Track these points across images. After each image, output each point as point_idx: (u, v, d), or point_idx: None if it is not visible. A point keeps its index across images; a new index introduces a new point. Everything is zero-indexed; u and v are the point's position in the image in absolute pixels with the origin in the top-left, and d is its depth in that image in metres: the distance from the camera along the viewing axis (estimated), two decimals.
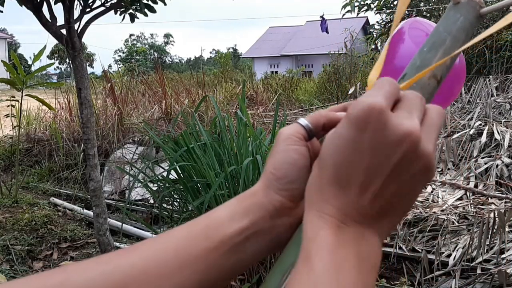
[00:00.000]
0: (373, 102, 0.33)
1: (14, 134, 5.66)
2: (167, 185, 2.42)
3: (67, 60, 40.44)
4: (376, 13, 10.09)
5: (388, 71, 1.04)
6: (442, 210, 3.19)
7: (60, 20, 2.94)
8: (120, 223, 3.51)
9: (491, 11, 0.48)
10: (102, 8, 3.09)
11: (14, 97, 4.86)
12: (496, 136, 3.99)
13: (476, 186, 3.58)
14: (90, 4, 3.03)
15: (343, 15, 9.70)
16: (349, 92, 7.60)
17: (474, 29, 0.48)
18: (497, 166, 3.63)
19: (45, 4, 2.92)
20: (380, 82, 0.37)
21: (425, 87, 0.43)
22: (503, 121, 4.50)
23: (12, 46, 39.07)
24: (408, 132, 0.33)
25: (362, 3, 9.74)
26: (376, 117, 0.33)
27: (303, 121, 0.41)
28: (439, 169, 4.01)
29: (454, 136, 4.26)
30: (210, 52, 68.37)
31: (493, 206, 3.18)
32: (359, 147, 0.33)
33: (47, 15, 2.93)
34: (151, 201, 4.32)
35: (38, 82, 6.42)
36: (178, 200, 2.57)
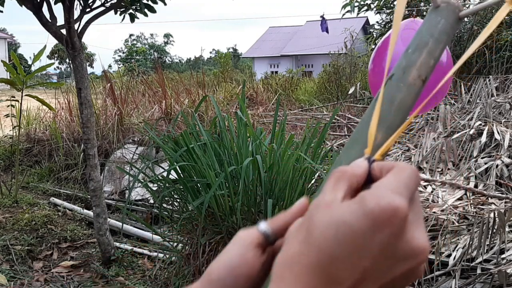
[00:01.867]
0: (398, 205, 0.30)
1: (14, 134, 5.66)
2: (167, 185, 2.42)
3: (67, 60, 40.45)
4: (376, 13, 10.09)
5: (376, 73, 1.04)
6: (442, 210, 3.19)
7: (60, 20, 2.94)
8: (120, 223, 3.51)
9: (470, 14, 0.51)
10: (102, 8, 3.09)
11: (14, 97, 4.86)
12: (496, 136, 3.99)
13: (476, 186, 3.58)
14: (90, 4, 3.03)
15: (343, 15, 9.70)
16: (349, 92, 7.60)
17: (455, 31, 0.50)
18: (497, 166, 3.63)
19: (45, 4, 2.92)
20: (405, 173, 0.33)
21: (411, 87, 0.44)
22: (503, 121, 4.50)
23: (12, 46, 39.06)
24: (423, 249, 0.31)
25: (362, 3, 9.74)
26: (398, 223, 0.30)
27: (262, 225, 0.38)
28: (439, 169, 4.01)
29: (454, 136, 4.26)
30: (210, 52, 68.41)
31: (493, 206, 3.18)
32: (368, 246, 0.29)
33: (47, 15, 2.93)
34: (151, 201, 4.32)
35: (38, 82, 6.42)
36: (178, 200, 2.57)
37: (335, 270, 0.30)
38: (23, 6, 2.87)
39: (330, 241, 0.30)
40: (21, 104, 4.52)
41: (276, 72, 24.03)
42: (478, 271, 2.52)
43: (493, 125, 4.18)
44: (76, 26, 2.95)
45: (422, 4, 9.52)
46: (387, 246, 0.30)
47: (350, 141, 0.45)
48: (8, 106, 4.95)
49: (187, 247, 2.53)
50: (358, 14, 9.90)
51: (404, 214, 0.30)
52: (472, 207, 3.22)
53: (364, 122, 0.44)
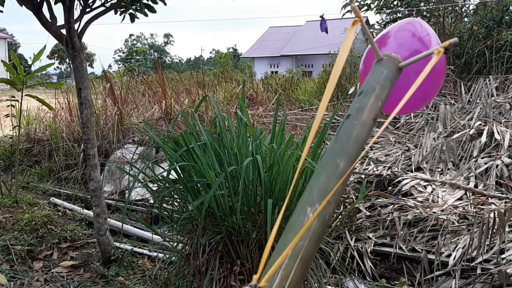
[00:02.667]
0: None
1: (14, 134, 5.66)
2: (167, 185, 2.42)
3: (67, 60, 40.43)
4: (376, 13, 10.09)
5: (368, 73, 1.04)
6: (442, 210, 3.19)
7: (60, 20, 2.94)
8: (120, 223, 3.51)
9: (408, 65, 0.64)
10: (102, 8, 3.09)
11: (14, 97, 4.86)
12: (496, 136, 3.98)
13: (476, 186, 3.58)
14: (90, 4, 3.03)
15: (343, 15, 9.69)
16: (349, 92, 7.61)
17: (396, 78, 0.62)
18: (497, 166, 3.63)
19: (45, 4, 2.92)
20: None
21: (364, 125, 0.54)
22: (503, 121, 4.50)
23: (12, 46, 39.05)
24: None
25: (362, 3, 9.73)
26: None
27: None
28: (439, 169, 4.01)
29: (454, 136, 4.26)
30: (210, 52, 68.38)
31: (493, 206, 3.18)
32: None
33: (47, 15, 2.93)
34: (151, 201, 4.32)
35: (38, 82, 6.42)
36: (178, 200, 2.57)
37: None
38: (23, 6, 2.87)
39: None
40: (21, 104, 4.52)
41: (276, 72, 24.03)
42: (478, 271, 2.52)
43: (493, 125, 4.18)
44: (76, 26, 2.95)
45: (422, 4, 9.52)
46: None
47: (318, 169, 0.52)
48: (8, 106, 4.95)
49: (187, 247, 2.53)
50: None
51: None
52: (472, 207, 3.22)
53: (330, 151, 0.53)
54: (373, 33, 10.53)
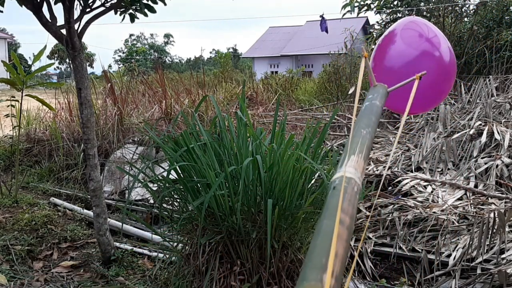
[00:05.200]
0: None
1: (14, 134, 5.66)
2: (167, 185, 2.42)
3: (67, 60, 40.43)
4: (376, 13, 10.09)
5: (377, 71, 1.05)
6: (442, 210, 3.19)
7: (60, 20, 2.94)
8: (120, 223, 3.51)
9: (394, 89, 0.88)
10: (102, 8, 3.09)
11: (14, 97, 4.86)
12: (496, 136, 3.98)
13: (476, 186, 3.58)
14: (90, 4, 3.03)
15: (343, 15, 9.69)
16: (349, 92, 7.61)
17: (387, 97, 0.86)
18: (497, 166, 3.63)
19: (45, 4, 2.92)
20: None
21: (364, 137, 0.63)
22: (503, 121, 4.50)
23: (12, 46, 39.05)
24: None
25: (362, 3, 9.73)
26: None
27: None
28: (439, 169, 4.01)
29: (454, 136, 4.26)
30: (210, 52, 68.35)
31: (493, 206, 3.18)
32: None
33: (47, 15, 2.93)
34: (151, 201, 4.32)
35: (38, 82, 6.41)
36: (178, 200, 2.57)
37: None
38: (23, 6, 2.87)
39: None
40: (21, 104, 4.52)
41: (276, 72, 24.02)
42: (478, 271, 2.52)
43: (493, 125, 4.18)
44: (76, 26, 2.95)
45: (422, 4, 9.52)
46: None
47: (357, 127, 0.65)
48: (8, 106, 4.95)
49: (187, 247, 2.53)
50: (358, 14, 9.90)
51: None
52: (472, 207, 3.22)
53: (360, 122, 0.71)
54: (373, 33, 10.53)
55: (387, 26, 10.03)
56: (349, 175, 0.53)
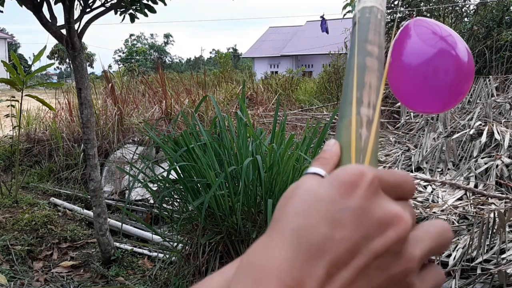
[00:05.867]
0: (365, 169, 0.29)
1: (14, 134, 5.66)
2: (167, 185, 2.42)
3: (67, 60, 40.44)
4: None
5: (396, 67, 1.03)
6: (442, 210, 3.19)
7: (60, 20, 2.94)
8: (120, 223, 3.51)
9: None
10: (102, 8, 3.09)
11: (14, 97, 4.86)
12: (496, 136, 3.98)
13: (476, 186, 3.58)
14: (90, 4, 3.03)
15: (344, 15, 9.69)
16: None
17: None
18: (497, 166, 3.63)
19: (45, 4, 2.92)
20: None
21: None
22: (503, 121, 4.50)
23: (12, 46, 39.07)
24: (398, 215, 0.28)
25: None
26: (367, 184, 0.28)
27: (319, 170, 0.33)
28: (439, 169, 4.01)
29: (454, 136, 4.26)
30: (210, 52, 68.39)
31: (493, 206, 3.18)
32: (336, 214, 0.27)
33: (47, 15, 2.93)
34: (151, 201, 4.32)
35: (38, 82, 6.42)
36: (178, 200, 2.57)
37: (306, 239, 0.27)
38: (23, 6, 2.87)
39: (295, 212, 0.28)
40: (21, 104, 4.52)
41: (276, 72, 24.03)
42: (478, 271, 2.52)
43: (493, 125, 4.18)
44: (76, 26, 2.95)
45: (422, 4, 9.52)
46: (359, 212, 0.27)
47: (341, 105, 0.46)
48: (8, 106, 4.95)
49: (187, 247, 2.53)
50: None
51: (372, 176, 0.28)
52: (472, 207, 3.22)
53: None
54: None
55: (387, 26, 10.03)
56: (370, 4, 0.48)
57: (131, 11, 3.32)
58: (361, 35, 0.46)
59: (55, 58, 47.09)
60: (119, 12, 3.31)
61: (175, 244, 2.62)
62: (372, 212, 0.27)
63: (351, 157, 0.36)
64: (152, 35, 63.69)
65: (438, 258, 2.68)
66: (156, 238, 3.33)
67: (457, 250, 2.74)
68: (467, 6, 9.40)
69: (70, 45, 2.92)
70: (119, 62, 50.45)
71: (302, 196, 0.29)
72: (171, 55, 64.85)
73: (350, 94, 0.41)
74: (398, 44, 1.01)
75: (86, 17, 3.04)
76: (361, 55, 0.44)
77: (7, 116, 5.23)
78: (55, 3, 3.00)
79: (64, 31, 2.92)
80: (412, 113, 5.81)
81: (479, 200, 3.32)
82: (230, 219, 2.22)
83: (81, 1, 3.02)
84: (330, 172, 0.33)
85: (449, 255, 2.75)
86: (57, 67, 51.54)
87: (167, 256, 2.90)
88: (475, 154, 3.93)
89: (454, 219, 3.06)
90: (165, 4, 3.36)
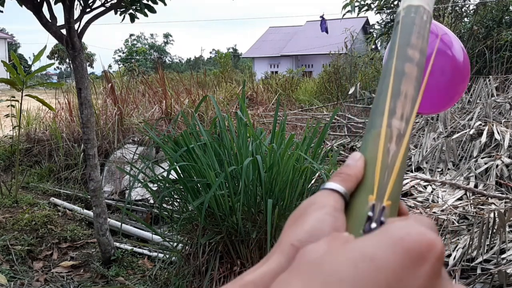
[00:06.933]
0: (434, 238, 0.25)
1: (14, 134, 5.66)
2: (167, 185, 2.42)
3: (67, 60, 40.43)
4: (376, 13, 10.09)
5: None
6: (442, 210, 3.19)
7: (60, 20, 2.94)
8: (120, 223, 3.51)
9: None
10: (102, 8, 3.09)
11: (14, 97, 4.86)
12: (496, 136, 3.98)
13: (476, 186, 3.58)
14: (90, 4, 3.03)
15: (344, 15, 9.70)
16: (349, 92, 7.60)
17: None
18: (497, 166, 3.63)
19: (45, 4, 2.92)
20: (424, 218, 0.29)
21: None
22: (503, 121, 4.50)
23: (12, 46, 39.06)
24: None
25: (362, 3, 9.74)
26: (435, 260, 0.24)
27: (336, 186, 0.31)
28: (439, 169, 4.01)
29: (454, 136, 4.26)
30: (210, 52, 68.38)
31: (493, 206, 3.18)
32: (404, 286, 0.23)
33: (47, 15, 2.93)
34: (151, 201, 4.32)
35: (38, 82, 6.42)
36: (178, 200, 2.57)
37: None
38: (23, 6, 2.87)
39: (348, 283, 0.23)
40: (21, 104, 4.52)
41: (276, 72, 24.03)
42: (478, 271, 2.52)
43: (493, 125, 4.18)
44: (76, 26, 2.95)
45: None
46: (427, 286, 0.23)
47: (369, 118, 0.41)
48: (8, 106, 4.95)
49: (187, 247, 2.53)
50: (358, 14, 9.90)
51: (441, 250, 0.25)
52: (472, 207, 3.22)
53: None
54: (373, 33, 10.54)
55: (387, 26, 10.04)
56: (417, 3, 0.43)
57: (131, 11, 3.32)
58: (403, 37, 0.41)
59: (55, 58, 47.08)
60: (119, 12, 3.31)
61: (175, 244, 2.62)
62: None
63: (375, 173, 0.32)
64: (152, 35, 63.69)
65: None
66: (156, 238, 3.33)
67: (457, 250, 2.73)
68: (467, 6, 9.40)
69: (70, 45, 2.91)
70: (119, 62, 50.45)
71: (351, 255, 0.24)
72: (171, 55, 64.92)
73: (383, 103, 0.36)
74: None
75: (86, 17, 3.04)
76: (400, 60, 0.39)
77: (7, 116, 5.23)
78: (55, 3, 3.00)
79: (64, 31, 2.92)
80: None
81: (479, 200, 3.32)
82: (230, 219, 2.22)
83: (81, 1, 3.02)
84: (350, 190, 0.31)
85: (449, 255, 2.75)
86: (57, 67, 51.55)
87: (167, 256, 2.90)
88: (475, 154, 3.93)
89: (454, 219, 3.06)
90: (165, 4, 3.36)
